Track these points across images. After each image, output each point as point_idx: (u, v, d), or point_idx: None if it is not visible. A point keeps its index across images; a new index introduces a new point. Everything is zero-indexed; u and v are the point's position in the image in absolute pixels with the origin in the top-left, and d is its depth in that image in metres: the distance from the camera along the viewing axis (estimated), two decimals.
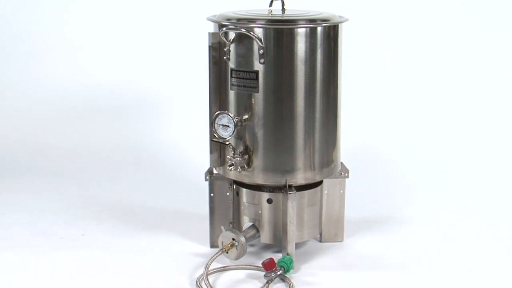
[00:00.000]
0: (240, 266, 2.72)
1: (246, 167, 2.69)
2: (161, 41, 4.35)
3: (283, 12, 2.71)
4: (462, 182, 3.64)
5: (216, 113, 2.68)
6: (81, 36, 4.45)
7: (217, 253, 2.67)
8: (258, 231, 2.79)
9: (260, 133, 2.66)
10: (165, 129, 4.23)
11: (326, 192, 2.91)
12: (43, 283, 2.61)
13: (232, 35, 2.62)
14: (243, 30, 2.59)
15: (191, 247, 2.90)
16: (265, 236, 2.79)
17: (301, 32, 2.60)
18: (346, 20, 2.73)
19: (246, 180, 2.74)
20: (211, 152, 2.76)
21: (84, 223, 3.15)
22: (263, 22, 2.59)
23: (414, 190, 3.57)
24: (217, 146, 2.74)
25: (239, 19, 2.63)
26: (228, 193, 2.87)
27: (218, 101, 2.72)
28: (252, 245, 2.89)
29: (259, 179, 2.71)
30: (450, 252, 2.89)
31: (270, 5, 2.73)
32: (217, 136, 2.69)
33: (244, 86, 2.64)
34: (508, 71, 4.19)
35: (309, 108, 2.66)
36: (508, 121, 4.09)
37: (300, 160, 2.69)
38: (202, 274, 2.59)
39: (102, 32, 4.44)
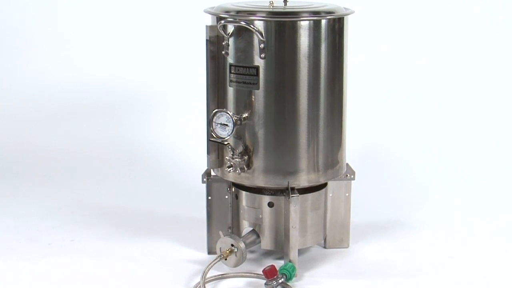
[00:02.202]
0: (240, 274, 2.72)
1: (245, 168, 2.68)
2: (156, 35, 4.35)
3: (285, 4, 2.71)
4: (474, 185, 3.64)
5: (214, 111, 2.68)
6: (71, 29, 4.45)
7: (215, 260, 2.67)
8: (258, 236, 2.78)
9: (260, 133, 2.66)
10: (160, 128, 4.23)
11: (330, 195, 2.91)
12: None
13: (231, 28, 2.62)
14: (242, 23, 2.58)
15: (188, 254, 2.90)
16: (266, 242, 2.79)
17: (304, 25, 2.60)
18: (352, 12, 2.73)
19: (245, 183, 2.74)
20: (208, 152, 2.75)
21: (73, 228, 3.15)
22: (264, 15, 2.59)
23: (424, 193, 3.57)
24: (215, 146, 2.74)
25: (238, 11, 2.62)
26: (226, 196, 2.87)
27: (216, 99, 2.72)
28: (252, 252, 2.88)
29: (260, 181, 2.70)
30: (463, 259, 2.89)
31: None
32: (215, 136, 2.68)
33: (244, 83, 2.64)
34: None
35: (312, 105, 2.65)
36: None
37: (303, 161, 2.69)
38: (199, 282, 2.59)
39: (93, 25, 4.44)
